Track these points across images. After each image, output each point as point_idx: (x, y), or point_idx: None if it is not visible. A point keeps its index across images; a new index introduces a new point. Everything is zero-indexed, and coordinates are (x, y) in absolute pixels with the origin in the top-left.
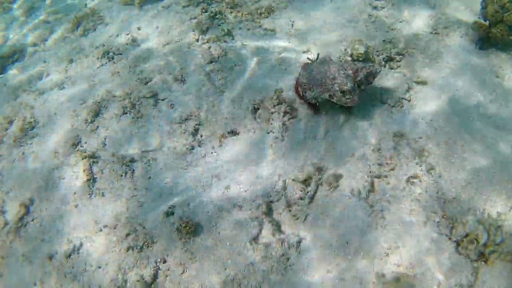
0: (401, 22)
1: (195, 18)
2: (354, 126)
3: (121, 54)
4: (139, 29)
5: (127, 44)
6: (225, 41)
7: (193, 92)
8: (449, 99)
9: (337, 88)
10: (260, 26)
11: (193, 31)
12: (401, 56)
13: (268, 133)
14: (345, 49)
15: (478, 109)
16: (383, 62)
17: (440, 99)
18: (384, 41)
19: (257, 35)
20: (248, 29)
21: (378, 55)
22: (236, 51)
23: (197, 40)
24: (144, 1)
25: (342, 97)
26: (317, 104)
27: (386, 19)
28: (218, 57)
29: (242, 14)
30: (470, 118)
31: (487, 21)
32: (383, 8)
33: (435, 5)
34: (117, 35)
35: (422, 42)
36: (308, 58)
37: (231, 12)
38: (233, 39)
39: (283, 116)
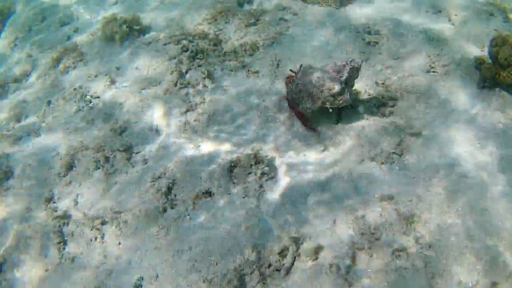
0: (396, 59)
1: (174, 58)
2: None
3: (98, 98)
4: (117, 68)
5: (104, 86)
6: (204, 86)
7: (167, 146)
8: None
9: (327, 94)
10: (243, 67)
11: (171, 73)
12: (394, 101)
13: (243, 197)
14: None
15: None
16: (375, 109)
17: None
18: (376, 83)
19: (240, 77)
20: (231, 70)
21: (368, 101)
22: (216, 96)
23: (175, 84)
24: (124, 37)
25: (334, 100)
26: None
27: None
28: (196, 105)
29: (226, 52)
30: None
31: (494, 61)
32: (377, 43)
33: (433, 39)
34: (96, 76)
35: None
36: (290, 70)
37: (213, 51)
38: (213, 82)
39: (260, 178)
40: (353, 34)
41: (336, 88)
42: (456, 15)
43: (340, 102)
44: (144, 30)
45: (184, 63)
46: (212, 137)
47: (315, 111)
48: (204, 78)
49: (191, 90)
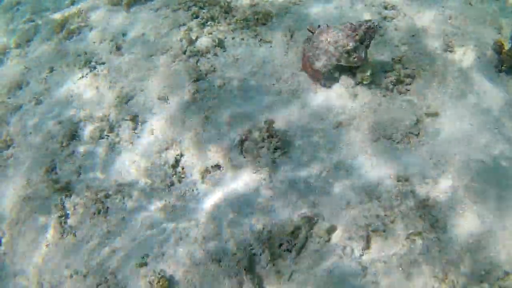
0: (413, 36)
1: (184, 24)
2: (351, 165)
3: (103, 64)
4: (124, 35)
5: (110, 52)
6: (215, 54)
7: (176, 115)
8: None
9: (341, 50)
10: (255, 36)
11: (181, 40)
12: (411, 79)
13: (254, 173)
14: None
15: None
16: (390, 86)
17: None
18: (393, 59)
19: (252, 46)
20: (242, 39)
21: (385, 77)
22: (227, 66)
23: (184, 52)
24: (131, 2)
25: (349, 57)
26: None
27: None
28: (206, 74)
29: (237, 20)
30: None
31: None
32: (393, 18)
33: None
34: (101, 42)
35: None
36: (308, 29)
37: (225, 18)
38: (224, 51)
39: (273, 153)
40: (368, 8)
41: (351, 44)
42: None
43: (355, 59)
44: None
45: (194, 30)
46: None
47: (331, 69)
48: (215, 46)
49: (201, 59)
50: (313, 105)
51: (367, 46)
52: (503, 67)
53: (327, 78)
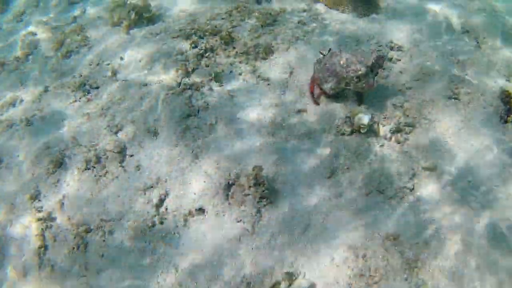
0: (417, 80)
1: (182, 54)
2: (340, 221)
3: (97, 88)
4: (121, 58)
5: (105, 77)
6: (210, 89)
7: (163, 153)
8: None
9: (352, 74)
10: (254, 71)
11: (177, 71)
12: (411, 128)
13: (238, 221)
14: (346, 117)
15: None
16: (389, 134)
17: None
18: (394, 105)
19: (249, 82)
20: (240, 74)
21: (384, 125)
22: (221, 103)
23: (179, 85)
24: (132, 24)
25: (358, 82)
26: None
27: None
28: (199, 111)
29: (237, 53)
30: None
31: None
32: (399, 60)
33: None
34: (98, 64)
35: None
36: (320, 52)
37: (224, 50)
38: (220, 85)
39: (259, 202)
40: (374, 48)
41: (362, 70)
42: (484, 37)
43: (364, 85)
44: (154, 18)
45: (191, 61)
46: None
47: (338, 91)
48: (211, 80)
49: (195, 93)
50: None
51: (376, 74)
52: (509, 118)
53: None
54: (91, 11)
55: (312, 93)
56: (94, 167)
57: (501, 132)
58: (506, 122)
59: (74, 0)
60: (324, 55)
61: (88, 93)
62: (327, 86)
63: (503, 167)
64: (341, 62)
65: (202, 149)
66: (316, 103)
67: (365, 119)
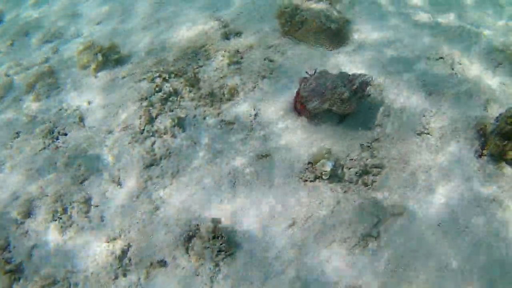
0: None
1: (146, 98)
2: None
3: (65, 135)
4: (89, 103)
5: (74, 123)
6: (173, 136)
7: (125, 204)
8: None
9: (337, 97)
10: (218, 115)
11: (140, 118)
12: (379, 169)
13: (197, 275)
14: (308, 163)
15: None
16: (355, 178)
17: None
18: (362, 145)
19: (212, 127)
20: (204, 118)
21: (349, 168)
22: (183, 151)
23: (142, 132)
24: (99, 67)
25: (341, 105)
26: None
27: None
28: (161, 159)
29: (201, 95)
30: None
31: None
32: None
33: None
34: (66, 109)
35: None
36: (306, 72)
37: (189, 92)
38: (183, 131)
39: (217, 255)
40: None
41: (346, 94)
42: (460, 63)
43: (347, 108)
44: (122, 60)
45: (155, 106)
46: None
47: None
48: (174, 126)
49: (158, 141)
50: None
51: (360, 98)
52: (484, 151)
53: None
54: (64, 52)
55: (295, 105)
56: (61, 218)
57: (476, 168)
58: (481, 156)
59: (48, 39)
60: (310, 75)
61: (56, 139)
62: (311, 105)
63: (477, 205)
64: (327, 84)
65: (164, 200)
66: (303, 115)
67: (328, 165)
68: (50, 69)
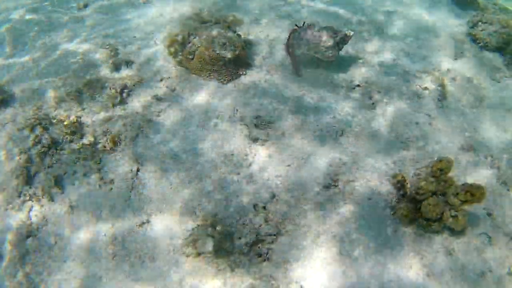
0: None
1: (25, 152)
2: None
3: None
4: None
5: None
6: (51, 199)
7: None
8: None
9: (322, 45)
10: (99, 170)
11: (16, 177)
12: (274, 237)
13: None
14: (193, 240)
15: None
16: (246, 249)
17: None
18: (255, 206)
19: (92, 187)
20: (85, 174)
21: (240, 238)
22: (59, 219)
23: (19, 195)
24: None
25: (325, 52)
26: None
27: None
28: (38, 228)
29: (82, 145)
30: None
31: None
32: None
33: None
34: None
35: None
36: (295, 25)
37: (70, 142)
38: (62, 193)
39: None
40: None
41: (331, 42)
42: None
43: (330, 55)
44: (5, 102)
45: (35, 162)
46: None
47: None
48: (51, 187)
49: (34, 206)
50: None
51: (340, 49)
52: (401, 214)
53: (298, 65)
54: None
55: (287, 50)
56: None
57: (391, 230)
58: (394, 214)
59: None
60: (299, 27)
61: None
62: (299, 52)
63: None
64: (314, 33)
65: (42, 279)
66: (297, 70)
67: (209, 245)
68: None
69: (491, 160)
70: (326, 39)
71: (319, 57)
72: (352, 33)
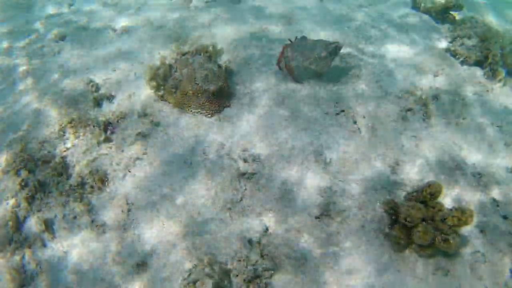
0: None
1: (13, 197)
2: None
3: None
4: None
5: None
6: (43, 245)
7: None
8: None
9: (316, 56)
10: (89, 211)
11: (7, 224)
12: (271, 272)
13: None
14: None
15: None
16: (243, 286)
17: None
18: (249, 241)
19: (83, 232)
20: (75, 217)
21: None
22: (53, 264)
23: (10, 242)
24: None
25: (320, 62)
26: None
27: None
28: (33, 277)
29: (70, 187)
30: None
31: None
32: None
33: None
34: None
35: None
36: (289, 39)
37: (57, 184)
38: (53, 238)
39: None
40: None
41: (324, 53)
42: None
43: (323, 65)
44: None
45: (22, 207)
46: None
47: (301, 70)
48: (43, 231)
49: (27, 253)
50: None
51: (333, 60)
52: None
53: (297, 76)
54: None
55: (279, 64)
56: None
57: (387, 256)
58: (386, 235)
59: None
60: (292, 41)
61: None
62: (293, 63)
63: None
64: (308, 45)
65: None
66: (280, 67)
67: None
68: None
69: None
70: (320, 50)
71: (313, 68)
72: (342, 44)
